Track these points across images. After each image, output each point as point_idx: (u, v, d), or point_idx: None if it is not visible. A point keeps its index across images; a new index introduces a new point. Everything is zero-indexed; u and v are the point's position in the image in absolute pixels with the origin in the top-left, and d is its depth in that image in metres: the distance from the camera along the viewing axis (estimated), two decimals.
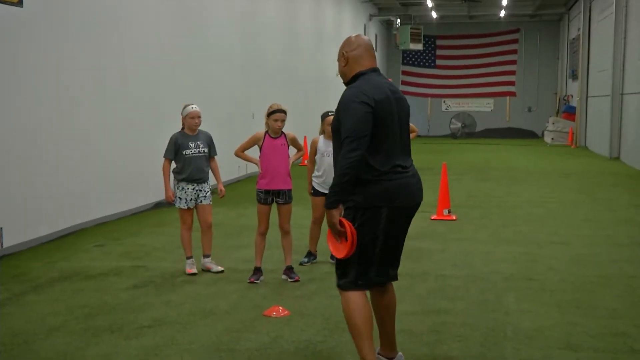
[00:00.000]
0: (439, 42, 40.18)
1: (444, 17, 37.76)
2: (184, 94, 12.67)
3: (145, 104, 12.04)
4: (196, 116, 7.62)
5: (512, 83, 39.44)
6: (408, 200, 4.44)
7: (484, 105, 39.86)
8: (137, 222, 10.90)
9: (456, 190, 14.01)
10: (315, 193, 7.94)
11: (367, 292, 4.61)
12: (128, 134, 11.46)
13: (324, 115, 7.86)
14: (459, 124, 38.00)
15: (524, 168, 20.02)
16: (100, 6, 10.66)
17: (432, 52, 40.22)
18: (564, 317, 6.03)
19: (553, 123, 31.83)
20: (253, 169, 16.99)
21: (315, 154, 7.93)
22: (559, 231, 10.08)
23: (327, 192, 7.79)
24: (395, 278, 4.72)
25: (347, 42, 4.59)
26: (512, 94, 39.51)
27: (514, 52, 39.39)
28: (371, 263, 4.45)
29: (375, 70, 4.55)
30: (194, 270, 7.61)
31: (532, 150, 27.88)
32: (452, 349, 5.28)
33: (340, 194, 4.28)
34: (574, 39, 32.62)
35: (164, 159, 7.67)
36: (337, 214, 4.33)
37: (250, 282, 7.20)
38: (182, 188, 7.62)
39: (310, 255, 8.11)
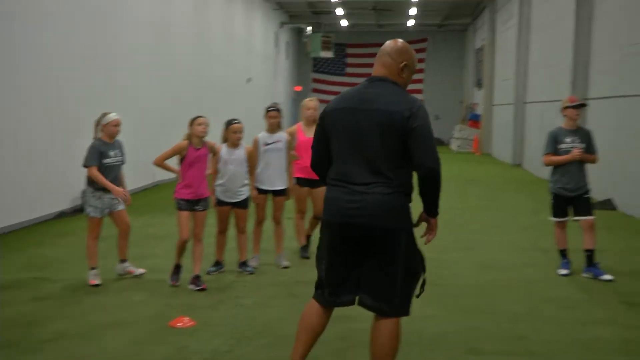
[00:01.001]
0: (349, 50, 40.65)
1: (354, 25, 38.22)
2: (93, 101, 12.39)
3: (51, 111, 11.68)
4: (118, 124, 7.58)
5: (419, 91, 40.14)
6: (334, 216, 4.24)
7: None
8: (40, 232, 10.56)
9: None
10: (219, 202, 7.89)
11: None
12: (30, 142, 11.10)
13: (228, 123, 7.85)
14: None
15: None
16: (8, 9, 10.30)
17: (342, 59, 40.65)
18: (467, 322, 6.17)
19: (459, 130, 32.64)
20: (161, 177, 16.74)
21: (218, 162, 7.89)
22: (464, 237, 10.31)
23: (230, 201, 7.91)
24: (344, 305, 4.46)
25: None
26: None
27: (422, 60, 40.14)
28: (321, 276, 4.44)
29: (373, 79, 4.34)
30: (98, 282, 7.43)
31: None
32: (358, 355, 5.31)
33: None
34: (479, 48, 33.54)
35: (88, 167, 7.39)
36: None
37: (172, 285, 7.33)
38: (100, 197, 7.50)
39: (218, 264, 8.05)
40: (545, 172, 8.24)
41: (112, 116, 7.55)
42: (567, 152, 7.86)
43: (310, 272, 8.02)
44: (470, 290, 7.27)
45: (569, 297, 7.05)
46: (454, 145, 32.39)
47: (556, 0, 19.00)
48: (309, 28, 35.10)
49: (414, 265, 4.28)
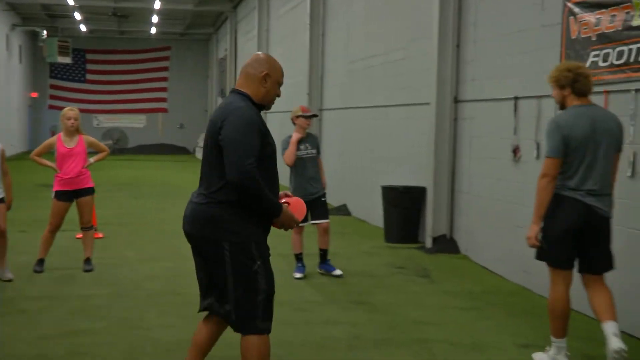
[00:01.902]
0: (89, 57, 39.27)
1: (94, 31, 37.02)
2: None
3: None
4: None
5: (163, 99, 39.90)
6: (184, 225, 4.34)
7: (136, 121, 39.80)
8: None
9: (106, 208, 13.68)
10: None
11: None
12: None
13: None
14: (111, 140, 37.47)
15: (176, 184, 20.27)
16: None
17: (82, 66, 39.19)
18: None
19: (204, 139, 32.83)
20: None
21: None
22: None
23: None
24: (207, 309, 4.41)
25: None
26: (164, 110, 39.95)
27: (165, 69, 39.94)
28: None
29: (232, 91, 4.34)
30: None
31: (184, 166, 28.41)
32: None
33: None
34: (222, 58, 33.95)
35: None
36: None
37: None
38: None
39: None
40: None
41: None
42: (301, 158, 8.24)
43: (37, 287, 7.59)
44: None
45: (303, 300, 7.34)
46: (199, 154, 32.52)
47: (292, 15, 19.73)
48: (45, 32, 33.42)
49: (248, 280, 4.12)
